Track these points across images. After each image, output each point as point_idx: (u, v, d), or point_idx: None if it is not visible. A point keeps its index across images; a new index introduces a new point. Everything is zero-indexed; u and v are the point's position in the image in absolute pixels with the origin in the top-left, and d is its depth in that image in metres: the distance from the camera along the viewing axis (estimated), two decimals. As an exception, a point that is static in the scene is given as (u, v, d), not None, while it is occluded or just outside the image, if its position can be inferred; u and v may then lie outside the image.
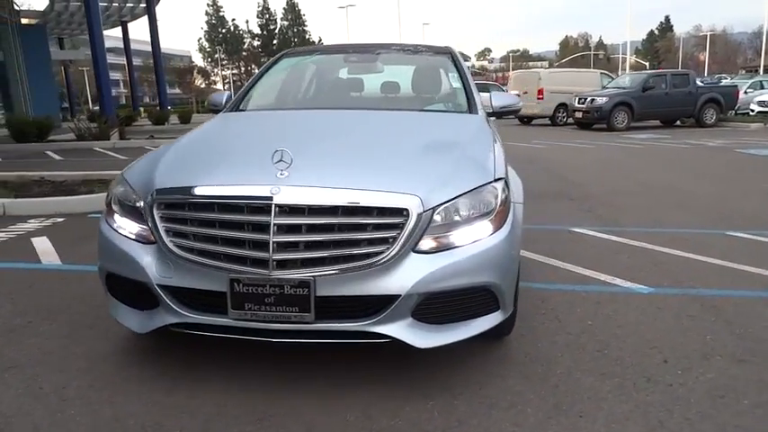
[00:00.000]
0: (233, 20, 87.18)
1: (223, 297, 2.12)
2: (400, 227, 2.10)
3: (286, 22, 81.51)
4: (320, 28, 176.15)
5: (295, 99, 3.77)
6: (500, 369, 2.48)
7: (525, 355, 2.61)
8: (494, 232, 2.26)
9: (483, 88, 25.19)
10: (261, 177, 2.16)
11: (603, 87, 18.41)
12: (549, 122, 19.36)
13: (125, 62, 27.38)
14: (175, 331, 2.25)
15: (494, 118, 3.67)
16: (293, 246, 2.09)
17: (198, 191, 2.19)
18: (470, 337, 2.27)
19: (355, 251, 2.09)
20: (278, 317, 2.12)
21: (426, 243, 2.15)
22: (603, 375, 2.42)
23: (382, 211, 2.11)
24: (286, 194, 2.09)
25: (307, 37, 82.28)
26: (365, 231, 2.10)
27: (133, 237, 2.30)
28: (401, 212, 2.11)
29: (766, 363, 2.52)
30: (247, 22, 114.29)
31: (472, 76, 3.92)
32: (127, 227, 2.34)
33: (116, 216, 2.39)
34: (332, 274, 2.09)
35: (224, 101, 3.66)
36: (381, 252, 2.09)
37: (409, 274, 2.11)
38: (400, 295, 2.11)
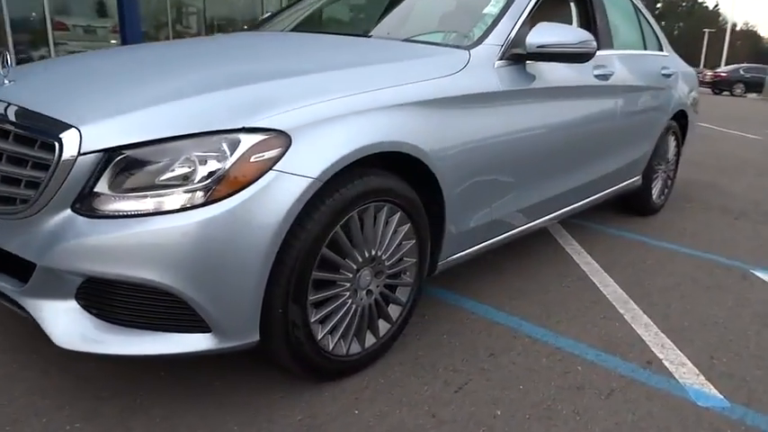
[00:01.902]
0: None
1: None
2: (46, 168, 1.48)
3: (675, -16, 72.44)
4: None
5: (312, 21, 3.09)
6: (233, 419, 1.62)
7: (303, 416, 1.66)
8: (201, 207, 1.42)
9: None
10: None
11: None
12: None
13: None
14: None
15: (545, 63, 2.39)
16: None
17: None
18: (161, 355, 1.51)
19: (13, 191, 1.56)
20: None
21: (95, 201, 1.47)
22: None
23: (42, 145, 1.51)
24: (-26, 106, 1.68)
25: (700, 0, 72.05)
26: (25, 167, 1.55)
27: None
28: (51, 147, 1.48)
29: None
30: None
31: None
32: None
33: None
34: (-11, 214, 1.61)
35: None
36: (27, 199, 1.52)
37: (51, 239, 1.48)
38: (36, 264, 1.51)
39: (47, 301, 1.55)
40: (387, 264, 1.86)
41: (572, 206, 2.94)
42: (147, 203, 1.43)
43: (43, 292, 1.55)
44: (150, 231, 1.41)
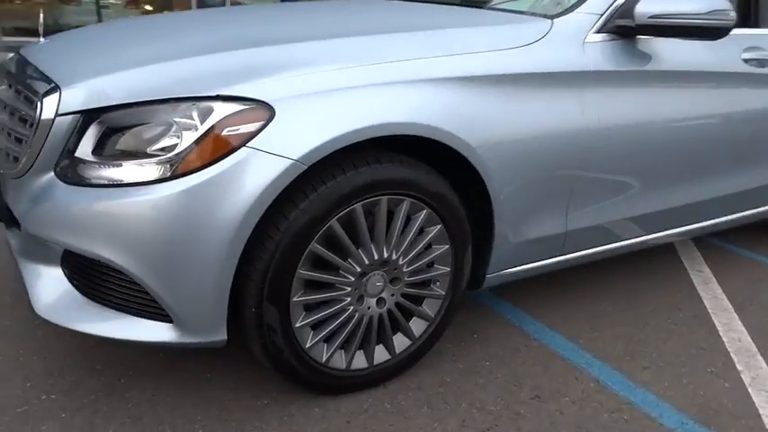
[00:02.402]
0: None
1: None
2: (30, 126, 1.42)
3: None
4: None
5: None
6: None
7: (270, 434, 1.45)
8: (159, 183, 1.26)
9: None
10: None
11: None
12: None
13: None
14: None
15: (663, 39, 1.88)
16: None
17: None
18: (120, 339, 1.39)
19: (16, 149, 1.53)
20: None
21: (75, 167, 1.37)
22: None
23: (35, 105, 1.45)
24: (11, 65, 1.69)
25: None
26: (25, 126, 1.51)
27: None
28: (35, 106, 1.41)
29: None
30: None
31: None
32: None
33: None
34: None
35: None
36: (17, 158, 1.47)
37: (32, 202, 1.42)
38: (20, 223, 1.47)
39: (37, 264, 1.51)
40: (406, 270, 1.56)
41: (701, 223, 2.34)
42: (111, 173, 1.30)
43: (33, 254, 1.50)
44: (108, 204, 1.29)
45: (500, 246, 1.71)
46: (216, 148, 1.26)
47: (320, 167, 1.34)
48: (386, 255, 1.51)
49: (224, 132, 1.26)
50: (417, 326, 1.67)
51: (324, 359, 1.52)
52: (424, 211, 1.53)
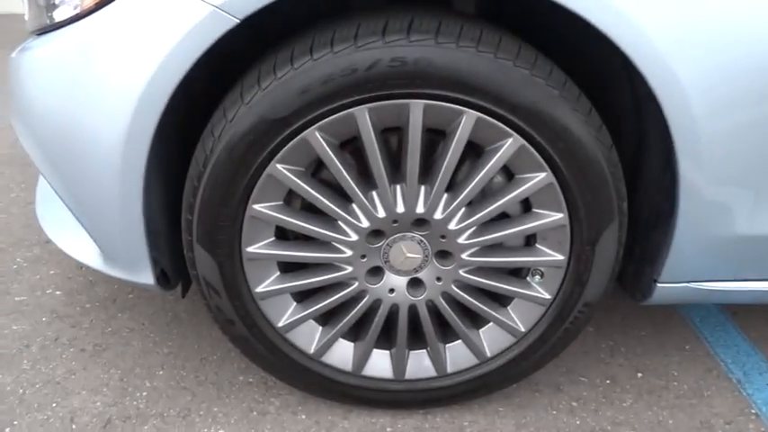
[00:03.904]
0: None
1: None
2: None
3: None
4: None
5: None
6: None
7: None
8: (63, 26, 0.84)
9: None
10: None
11: None
12: None
13: None
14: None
15: None
16: None
17: None
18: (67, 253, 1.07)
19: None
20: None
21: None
22: None
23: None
24: None
25: None
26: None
27: None
28: None
29: None
30: None
31: None
32: None
33: None
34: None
35: None
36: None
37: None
38: None
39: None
40: (463, 241, 0.87)
41: None
42: (38, 18, 0.92)
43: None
44: (21, 59, 0.91)
45: (689, 237, 0.86)
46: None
47: (287, 37, 0.74)
48: (422, 209, 0.84)
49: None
50: (493, 339, 0.97)
51: (312, 350, 0.97)
52: (510, 141, 0.79)
